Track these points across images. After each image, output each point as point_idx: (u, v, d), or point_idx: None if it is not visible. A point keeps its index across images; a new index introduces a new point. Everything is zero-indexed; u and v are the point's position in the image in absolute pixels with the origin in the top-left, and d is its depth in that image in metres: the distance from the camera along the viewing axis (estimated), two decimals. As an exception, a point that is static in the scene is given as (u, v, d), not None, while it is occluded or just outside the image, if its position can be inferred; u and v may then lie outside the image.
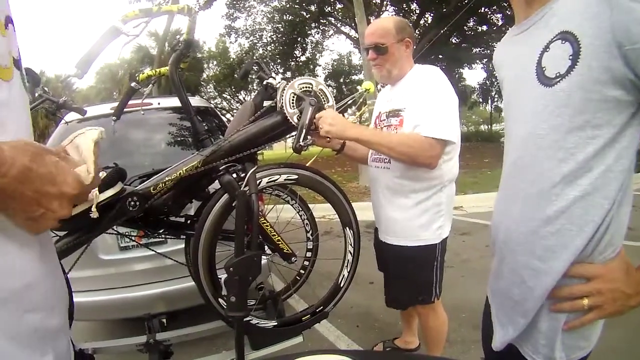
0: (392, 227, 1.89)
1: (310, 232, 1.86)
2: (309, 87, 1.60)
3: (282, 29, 18.66)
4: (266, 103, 1.66)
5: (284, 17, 18.15)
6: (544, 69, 0.83)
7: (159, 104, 2.80)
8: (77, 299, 1.86)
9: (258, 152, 1.61)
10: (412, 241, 1.84)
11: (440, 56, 18.00)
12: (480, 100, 29.61)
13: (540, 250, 0.87)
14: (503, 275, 0.99)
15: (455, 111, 1.74)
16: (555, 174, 0.83)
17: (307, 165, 1.70)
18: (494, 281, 1.04)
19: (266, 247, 1.70)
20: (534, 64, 0.85)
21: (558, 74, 0.80)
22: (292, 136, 1.60)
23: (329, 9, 17.60)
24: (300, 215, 1.88)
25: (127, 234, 1.90)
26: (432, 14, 16.52)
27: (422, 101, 1.71)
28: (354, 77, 23.92)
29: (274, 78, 1.65)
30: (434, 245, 1.84)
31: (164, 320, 1.97)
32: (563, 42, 0.78)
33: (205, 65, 26.22)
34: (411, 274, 1.89)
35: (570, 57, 0.77)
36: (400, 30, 1.82)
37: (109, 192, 1.32)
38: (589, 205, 0.81)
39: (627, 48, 0.70)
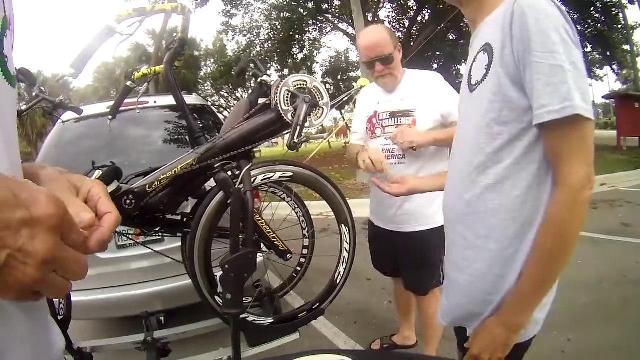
0: (409, 216, 1.95)
1: (306, 229, 1.87)
2: (303, 85, 1.60)
3: (279, 27, 18.59)
4: (261, 100, 1.66)
5: (282, 15, 18.10)
6: (471, 77, 0.97)
7: (155, 102, 2.80)
8: (75, 298, 1.88)
9: (254, 149, 1.62)
10: (429, 224, 1.93)
11: (438, 53, 17.98)
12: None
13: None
14: None
15: None
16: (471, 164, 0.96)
17: (304, 162, 1.71)
18: None
19: (262, 245, 1.71)
20: (467, 72, 0.99)
21: (477, 81, 0.93)
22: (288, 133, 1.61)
23: (326, 5, 17.56)
24: (296, 213, 1.89)
25: (124, 232, 1.91)
26: (429, 11, 16.49)
27: (451, 99, 1.83)
28: (351, 73, 23.93)
29: (269, 75, 1.66)
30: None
31: (162, 319, 1.97)
32: (484, 53, 0.91)
33: (203, 63, 26.21)
34: (429, 257, 1.97)
35: (485, 67, 0.89)
36: (393, 36, 1.89)
37: (105, 191, 1.33)
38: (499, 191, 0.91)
39: (518, 54, 0.83)
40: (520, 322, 0.90)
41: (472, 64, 0.97)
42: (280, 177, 1.60)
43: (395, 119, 1.91)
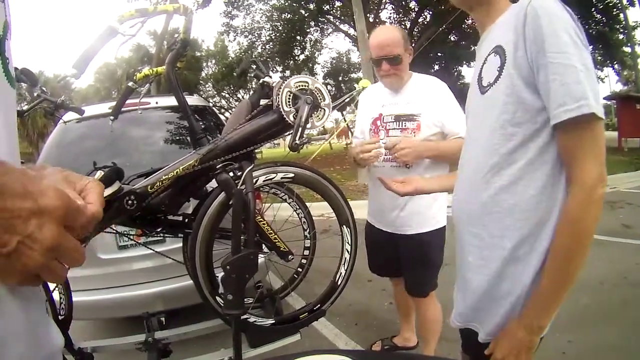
0: (412, 218, 1.95)
1: (308, 230, 1.87)
2: (305, 86, 1.60)
3: (280, 28, 18.63)
4: (263, 101, 1.66)
5: (283, 16, 18.11)
6: (482, 79, 0.97)
7: (156, 103, 2.80)
8: (76, 298, 1.88)
9: (256, 150, 1.62)
10: (431, 226, 1.96)
11: (439, 54, 17.97)
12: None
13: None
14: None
15: None
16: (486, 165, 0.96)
17: (306, 163, 1.71)
18: None
19: (263, 246, 1.70)
20: (477, 74, 0.99)
21: (489, 83, 0.94)
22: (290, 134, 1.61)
23: (328, 7, 17.57)
24: (298, 214, 1.89)
25: (125, 232, 1.91)
26: (430, 12, 16.50)
27: (456, 111, 1.88)
28: (352, 75, 23.92)
29: (270, 76, 1.66)
30: (444, 226, 2.00)
31: (163, 319, 1.97)
32: (495, 55, 0.92)
33: (204, 64, 26.26)
34: (430, 258, 1.99)
35: (498, 69, 0.90)
36: (406, 39, 1.92)
37: (107, 191, 1.33)
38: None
39: (532, 55, 0.84)
40: (543, 324, 0.91)
41: (482, 66, 0.98)
42: (281, 178, 1.60)
43: (400, 123, 1.92)
